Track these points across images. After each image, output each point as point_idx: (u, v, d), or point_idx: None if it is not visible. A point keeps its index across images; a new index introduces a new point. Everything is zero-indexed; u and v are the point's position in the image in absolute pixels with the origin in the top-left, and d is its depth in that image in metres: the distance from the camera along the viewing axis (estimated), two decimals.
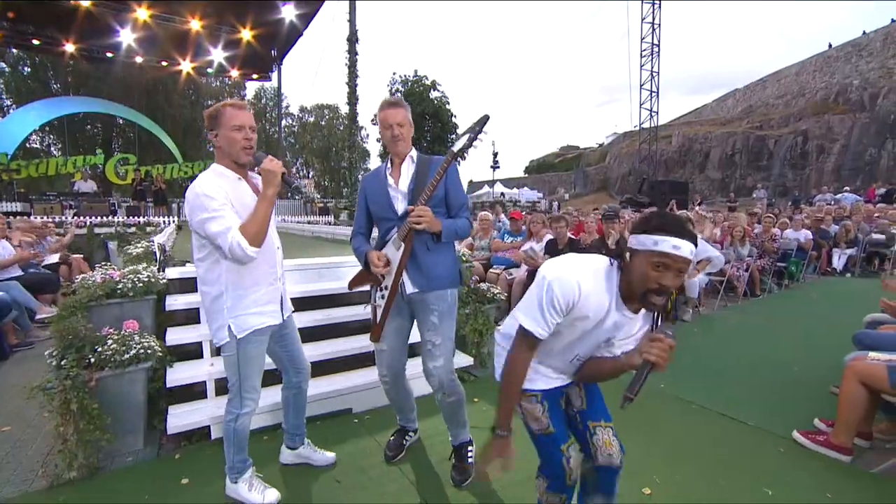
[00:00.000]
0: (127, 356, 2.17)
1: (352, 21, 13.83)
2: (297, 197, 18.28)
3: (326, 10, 14.86)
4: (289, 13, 14.85)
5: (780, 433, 2.57)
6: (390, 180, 2.08)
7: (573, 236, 5.11)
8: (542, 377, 1.51)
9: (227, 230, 1.64)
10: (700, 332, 4.70)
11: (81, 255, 6.45)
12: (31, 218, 9.37)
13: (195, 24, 15.10)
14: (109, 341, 2.20)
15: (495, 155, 29.81)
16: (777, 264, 6.75)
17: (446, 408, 2.15)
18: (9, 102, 24.21)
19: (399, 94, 29.71)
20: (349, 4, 13.75)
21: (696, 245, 1.16)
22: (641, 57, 23.68)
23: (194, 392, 2.62)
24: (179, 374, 2.57)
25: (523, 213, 6.94)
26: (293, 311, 2.12)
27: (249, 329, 1.80)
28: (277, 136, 27.31)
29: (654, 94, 23.66)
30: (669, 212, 1.41)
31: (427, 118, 29.87)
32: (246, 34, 16.03)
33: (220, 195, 1.69)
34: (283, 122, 36.04)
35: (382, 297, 2.06)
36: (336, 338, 3.11)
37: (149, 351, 2.26)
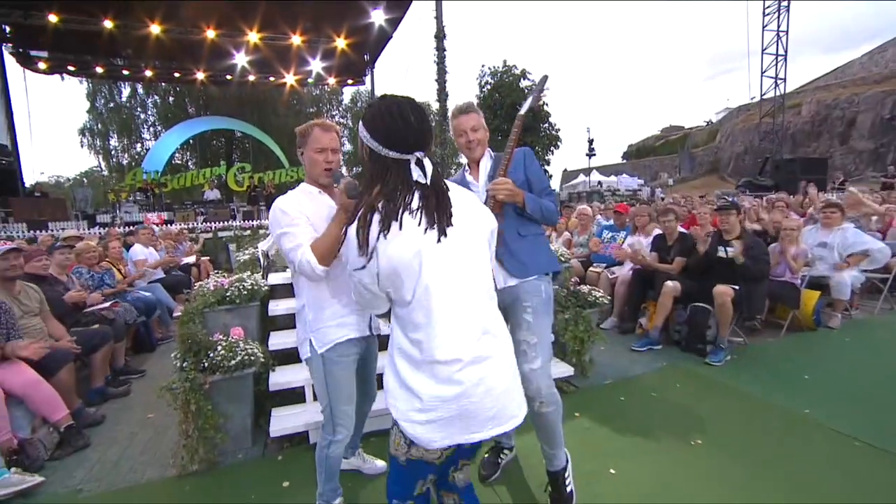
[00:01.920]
0: (234, 362, 2.32)
1: (438, 18, 13.97)
2: None
3: (414, 11, 15.16)
4: (378, 18, 15.41)
5: None
6: (470, 178, 2.09)
7: (684, 230, 4.52)
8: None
9: (298, 247, 1.61)
10: (852, 343, 3.86)
11: (208, 258, 7.33)
12: (174, 225, 10.99)
13: (296, 40, 16.41)
14: (219, 347, 2.38)
15: (591, 142, 27.99)
16: None
17: (542, 421, 1.91)
18: (160, 127, 28.67)
19: (486, 88, 29.56)
20: (436, 4, 13.89)
21: None
22: (764, 16, 20.31)
23: (295, 395, 2.73)
24: (281, 378, 2.70)
25: (629, 205, 6.33)
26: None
27: (330, 343, 1.71)
28: None
29: (780, 58, 20.14)
30: None
31: (518, 108, 29.28)
32: (340, 43, 17.00)
33: (294, 210, 1.67)
34: None
35: None
36: None
37: (252, 357, 2.40)
